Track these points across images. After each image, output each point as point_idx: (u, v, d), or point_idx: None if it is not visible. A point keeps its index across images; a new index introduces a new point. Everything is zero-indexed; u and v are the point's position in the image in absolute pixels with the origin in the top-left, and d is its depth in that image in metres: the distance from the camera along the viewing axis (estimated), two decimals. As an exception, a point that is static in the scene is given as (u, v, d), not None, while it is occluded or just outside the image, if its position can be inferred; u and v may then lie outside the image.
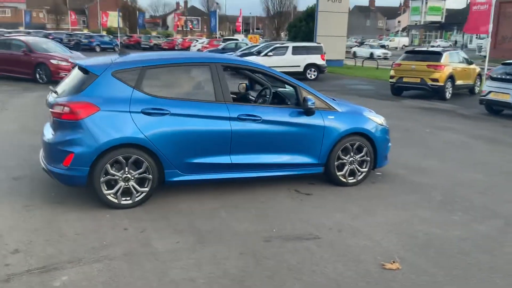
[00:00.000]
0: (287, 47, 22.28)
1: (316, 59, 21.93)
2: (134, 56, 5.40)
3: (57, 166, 4.75)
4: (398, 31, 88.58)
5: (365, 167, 5.96)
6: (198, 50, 36.65)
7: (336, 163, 5.77)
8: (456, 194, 5.78)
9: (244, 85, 6.93)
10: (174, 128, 4.93)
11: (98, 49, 41.95)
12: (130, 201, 4.88)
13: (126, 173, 4.81)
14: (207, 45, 37.12)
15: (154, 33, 60.39)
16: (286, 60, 21.64)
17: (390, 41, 71.22)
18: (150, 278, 3.53)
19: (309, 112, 5.51)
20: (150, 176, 4.90)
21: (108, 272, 3.59)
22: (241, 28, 49.70)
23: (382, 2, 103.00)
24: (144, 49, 48.60)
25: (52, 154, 4.81)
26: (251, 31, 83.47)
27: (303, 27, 33.37)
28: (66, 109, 4.67)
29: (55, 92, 5.07)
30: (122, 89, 4.82)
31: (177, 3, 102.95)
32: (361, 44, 77.94)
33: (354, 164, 5.88)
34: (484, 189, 6.01)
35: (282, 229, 4.52)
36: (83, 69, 4.97)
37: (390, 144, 6.27)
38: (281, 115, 5.45)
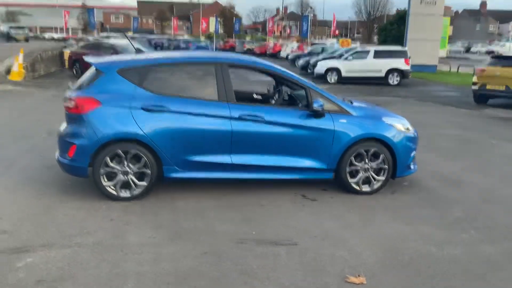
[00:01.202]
0: (368, 51, 21.57)
1: (400, 63, 20.93)
2: (144, 55, 5.59)
3: (63, 156, 5.07)
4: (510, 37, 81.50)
5: (383, 176, 5.59)
6: (287, 54, 36.84)
7: (348, 169, 5.48)
8: (482, 211, 5.21)
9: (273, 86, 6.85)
10: (173, 125, 5.02)
11: (194, 53, 43.86)
12: (128, 194, 5.05)
13: (125, 167, 5.00)
14: (296, 49, 37.19)
15: (248, 38, 61.77)
16: (367, 64, 20.96)
17: (501, 46, 65.81)
18: (103, 267, 3.63)
19: (317, 114, 5.30)
20: (149, 171, 5.03)
21: (69, 258, 3.76)
22: (333, 32, 49.10)
23: (495, 5, 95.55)
24: (239, 53, 50.02)
25: (60, 145, 5.15)
26: (349, 35, 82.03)
27: (393, 31, 32.11)
28: (72, 103, 4.97)
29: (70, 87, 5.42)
30: (125, 86, 5.02)
31: (277, 9, 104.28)
32: (467, 49, 73.07)
33: (369, 172, 5.54)
34: (519, 208, 5.35)
35: (262, 233, 4.40)
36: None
37: (413, 153, 5.80)
38: (286, 116, 5.30)
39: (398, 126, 5.66)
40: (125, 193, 5.05)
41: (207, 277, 3.55)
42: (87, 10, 53.19)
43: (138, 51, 5.71)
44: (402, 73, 20.95)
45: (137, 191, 5.07)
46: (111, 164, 4.97)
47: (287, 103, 5.90)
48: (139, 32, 63.44)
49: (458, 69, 28.81)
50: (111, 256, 3.82)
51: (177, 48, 44.63)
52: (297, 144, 5.33)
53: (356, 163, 5.51)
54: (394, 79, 20.95)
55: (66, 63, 21.34)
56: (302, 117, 5.33)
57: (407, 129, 5.78)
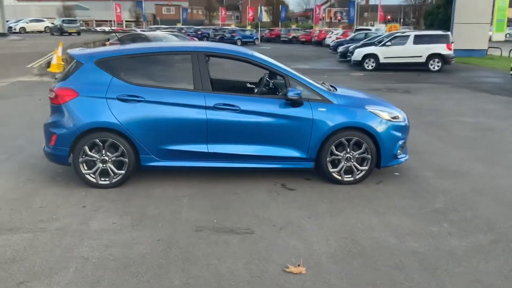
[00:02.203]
0: (408, 36, 20.80)
1: (441, 48, 20.04)
2: (125, 46, 5.71)
3: (47, 145, 5.31)
4: None
5: (366, 165, 5.44)
6: (333, 41, 36.19)
7: (328, 158, 5.38)
8: (467, 202, 4.97)
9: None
10: (148, 114, 5.11)
11: (239, 43, 43.92)
12: (107, 182, 5.21)
13: (104, 155, 5.15)
14: (341, 36, 36.51)
15: (293, 26, 61.17)
16: (406, 50, 20.25)
17: None
18: (55, 252, 3.79)
19: (294, 103, 5.23)
20: (126, 159, 5.17)
21: (28, 242, 3.95)
22: (381, 17, 47.82)
23: None
24: (284, 42, 49.72)
25: (45, 135, 5.38)
26: (402, 20, 79.35)
27: (440, 14, 30.71)
28: (53, 94, 5.18)
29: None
30: (102, 76, 5.16)
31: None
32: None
33: (352, 161, 5.41)
34: (509, 201, 5.05)
35: (224, 221, 4.42)
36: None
37: (401, 142, 5.57)
38: (263, 105, 5.27)
39: (382, 115, 5.47)
40: (104, 181, 5.21)
41: (149, 264, 3.63)
42: (137, 3, 54.64)
43: (123, 42, 5.85)
44: (443, 59, 20.06)
45: (116, 179, 5.22)
46: (90, 153, 5.14)
47: (272, 92, 5.85)
48: (188, 23, 64.40)
49: (510, 53, 27.21)
50: (67, 241, 3.97)
51: (222, 38, 44.97)
52: (275, 133, 5.28)
53: (338, 153, 5.39)
54: (435, 65, 20.12)
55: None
56: (280, 106, 5.26)
57: (394, 117, 5.57)
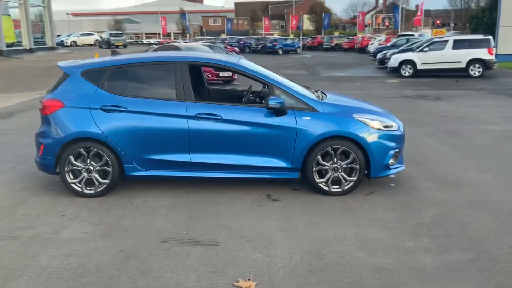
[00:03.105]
0: (446, 41, 20.02)
1: (482, 53, 19.18)
2: (111, 57, 5.78)
3: (37, 155, 5.45)
4: None
5: (354, 176, 5.23)
6: (374, 48, 35.53)
7: (315, 168, 5.21)
8: (457, 217, 4.66)
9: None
10: (131, 124, 5.15)
11: (280, 51, 43.99)
12: (93, 191, 5.28)
13: (88, 165, 5.23)
14: (383, 42, 35.77)
15: (336, 33, 60.57)
16: (445, 55, 19.50)
17: None
18: (17, 260, 3.84)
19: (277, 112, 5.11)
20: (110, 169, 5.22)
21: (-4, 249, 4.05)
22: (416, 21, 46.85)
23: None
24: (326, 50, 49.35)
25: (36, 145, 5.53)
26: (453, 25, 76.76)
27: (485, 18, 29.45)
28: (41, 105, 5.33)
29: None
30: (87, 87, 5.25)
31: (377, 1, 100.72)
32: None
33: (339, 172, 5.21)
34: (507, 214, 4.69)
35: (193, 232, 4.36)
36: (65, 69, 5.56)
37: (393, 152, 5.31)
38: (246, 114, 5.17)
39: (371, 123, 5.23)
40: (90, 190, 5.28)
41: (101, 275, 3.60)
42: (181, 15, 55.91)
43: (114, 53, 5.95)
44: (484, 64, 19.18)
45: (100, 188, 5.27)
46: (75, 162, 5.22)
47: (260, 101, 5.76)
48: (232, 34, 65.16)
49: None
50: (33, 250, 4.02)
51: (264, 47, 45.12)
52: (258, 143, 5.17)
53: (324, 163, 5.21)
54: (475, 71, 19.27)
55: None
56: (263, 115, 5.15)
57: (386, 126, 5.32)
